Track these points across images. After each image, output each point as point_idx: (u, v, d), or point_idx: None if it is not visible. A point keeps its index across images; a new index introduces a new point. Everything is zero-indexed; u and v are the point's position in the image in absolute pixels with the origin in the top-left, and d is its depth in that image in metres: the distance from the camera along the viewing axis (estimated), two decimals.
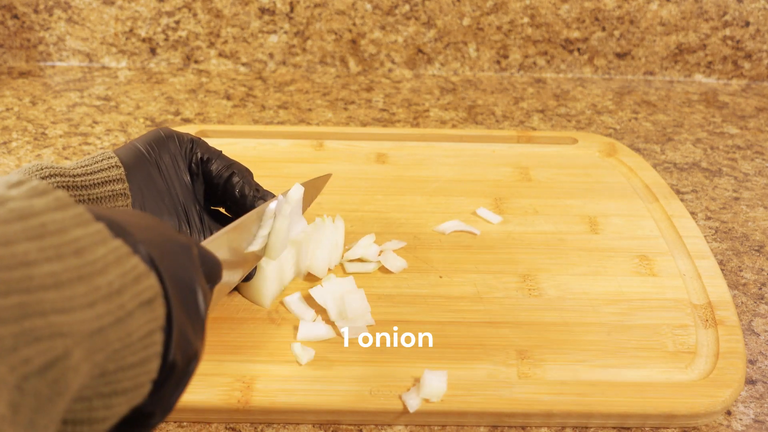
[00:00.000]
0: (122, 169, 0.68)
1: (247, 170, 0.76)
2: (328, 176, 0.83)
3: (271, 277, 0.73)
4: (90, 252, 0.39)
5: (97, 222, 0.40)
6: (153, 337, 0.42)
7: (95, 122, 1.11)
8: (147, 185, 0.70)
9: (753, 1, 1.22)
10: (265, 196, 0.75)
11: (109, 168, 0.68)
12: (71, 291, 0.37)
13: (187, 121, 1.12)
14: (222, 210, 0.77)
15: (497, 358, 0.68)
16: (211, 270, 0.52)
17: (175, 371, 0.44)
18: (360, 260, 0.79)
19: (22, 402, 0.34)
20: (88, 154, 1.02)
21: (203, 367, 0.66)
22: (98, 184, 0.66)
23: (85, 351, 0.37)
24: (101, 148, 1.03)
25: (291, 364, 0.67)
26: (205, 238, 0.72)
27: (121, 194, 0.67)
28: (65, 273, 0.37)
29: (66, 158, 1.01)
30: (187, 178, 0.73)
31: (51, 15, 1.24)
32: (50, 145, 1.04)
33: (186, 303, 0.46)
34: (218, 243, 0.62)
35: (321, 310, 0.73)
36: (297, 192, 0.72)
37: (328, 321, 0.71)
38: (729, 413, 0.67)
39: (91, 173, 0.67)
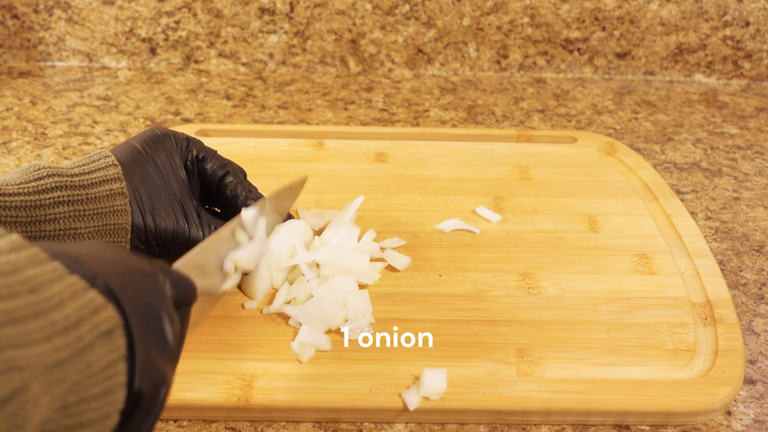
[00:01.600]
0: (119, 167, 0.69)
1: (241, 170, 0.77)
2: (304, 179, 0.83)
3: (263, 272, 0.73)
4: (46, 289, 0.39)
5: (53, 260, 0.41)
6: (115, 367, 0.42)
7: (95, 122, 1.11)
8: (144, 182, 0.71)
9: (753, 1, 1.22)
10: (257, 197, 0.76)
11: (107, 167, 0.68)
12: (26, 326, 0.37)
13: (187, 121, 1.12)
14: (216, 209, 0.78)
15: (497, 356, 0.68)
16: (183, 293, 0.52)
17: (142, 399, 0.44)
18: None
19: None
20: (88, 154, 1.02)
21: (203, 365, 0.66)
22: (96, 183, 0.67)
23: (44, 384, 0.38)
24: (101, 148, 1.03)
25: (291, 362, 0.67)
26: (204, 234, 0.73)
27: (119, 193, 0.68)
28: (20, 310, 0.37)
29: (66, 158, 1.01)
30: (183, 175, 0.74)
31: (51, 15, 1.24)
32: (50, 145, 1.04)
33: (152, 330, 0.46)
34: (194, 261, 0.62)
35: None
36: (248, 215, 0.71)
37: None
38: (729, 413, 0.67)
39: (89, 172, 0.67)
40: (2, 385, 0.35)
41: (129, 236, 0.68)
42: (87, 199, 0.66)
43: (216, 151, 0.77)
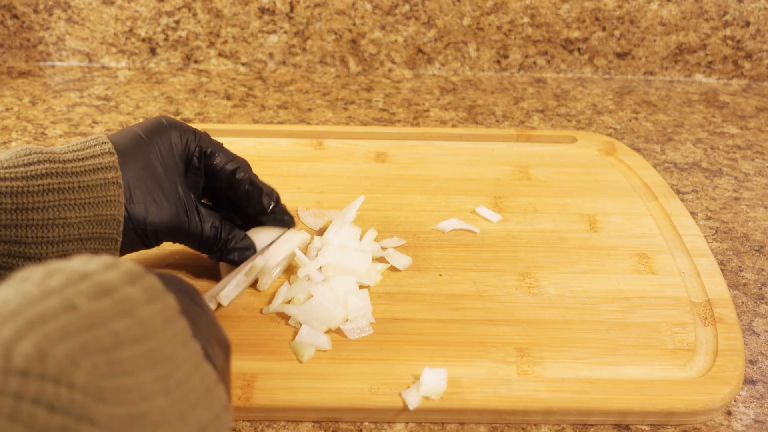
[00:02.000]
0: (115, 156, 0.66)
1: (247, 163, 0.76)
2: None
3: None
4: (187, 378, 0.42)
5: (181, 318, 0.44)
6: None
7: (95, 122, 1.11)
8: (146, 171, 0.68)
9: (753, 1, 1.22)
10: (271, 194, 0.75)
11: (102, 154, 0.66)
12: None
13: (187, 121, 1.12)
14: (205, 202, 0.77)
15: (497, 355, 0.68)
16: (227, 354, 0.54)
17: None
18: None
19: None
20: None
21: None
22: (89, 171, 0.64)
23: None
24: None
25: (291, 361, 0.67)
26: (202, 230, 0.72)
27: (113, 183, 0.65)
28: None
29: None
30: (182, 168, 0.71)
31: (51, 15, 1.24)
32: (50, 145, 1.04)
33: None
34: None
35: None
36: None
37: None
38: (729, 413, 0.67)
39: (83, 159, 0.65)
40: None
41: (120, 228, 0.65)
42: (79, 187, 0.63)
43: (222, 145, 0.75)
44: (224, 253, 0.73)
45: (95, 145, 0.66)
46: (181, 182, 0.71)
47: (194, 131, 0.73)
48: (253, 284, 0.76)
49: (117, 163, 0.66)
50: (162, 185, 0.69)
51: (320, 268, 0.75)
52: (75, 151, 0.65)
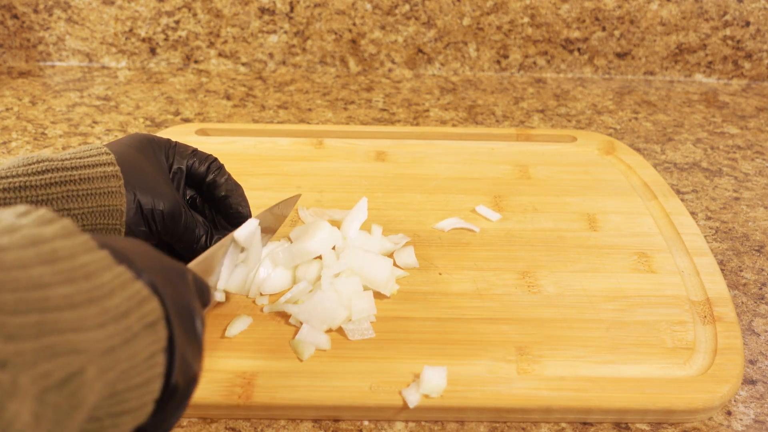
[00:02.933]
0: (112, 155, 0.67)
1: (219, 163, 0.77)
2: (297, 197, 0.82)
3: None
4: (97, 276, 0.41)
5: (102, 249, 0.43)
6: (156, 358, 0.44)
7: (95, 122, 1.11)
8: (142, 170, 0.70)
9: (753, 1, 1.22)
10: (246, 211, 0.77)
11: (99, 154, 0.67)
12: (84, 312, 0.39)
13: (187, 121, 1.12)
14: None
15: (497, 354, 0.68)
16: (203, 295, 0.54)
17: (176, 393, 0.46)
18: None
19: (43, 413, 0.35)
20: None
21: (204, 363, 0.66)
22: (89, 165, 0.66)
23: (98, 369, 0.39)
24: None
25: (292, 360, 0.67)
26: (197, 225, 0.73)
27: (113, 175, 0.66)
28: (77, 295, 0.39)
29: None
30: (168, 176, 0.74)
31: (51, 15, 1.24)
32: (50, 145, 1.04)
33: (185, 327, 0.48)
34: (201, 267, 0.64)
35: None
36: (246, 229, 0.71)
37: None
38: (729, 413, 0.67)
39: (81, 158, 0.66)
40: (63, 366, 0.36)
41: (123, 218, 0.67)
42: (80, 179, 0.65)
43: (196, 149, 0.76)
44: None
45: (91, 149, 0.68)
46: (171, 186, 0.72)
47: (172, 143, 0.75)
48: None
49: (115, 160, 0.67)
50: (158, 181, 0.70)
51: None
52: (73, 154, 0.67)
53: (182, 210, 0.71)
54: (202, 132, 1.02)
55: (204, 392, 0.63)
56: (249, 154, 0.98)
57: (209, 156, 0.77)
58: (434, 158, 0.99)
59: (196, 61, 1.28)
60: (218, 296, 0.70)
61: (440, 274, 0.78)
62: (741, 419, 0.66)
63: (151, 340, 0.43)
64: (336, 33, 1.26)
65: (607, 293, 0.76)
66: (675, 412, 0.64)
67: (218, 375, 0.65)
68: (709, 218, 0.93)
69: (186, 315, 0.48)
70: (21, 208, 0.41)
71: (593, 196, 0.92)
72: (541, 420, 0.64)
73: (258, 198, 0.88)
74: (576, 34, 1.25)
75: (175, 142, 0.76)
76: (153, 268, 0.46)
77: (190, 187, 0.76)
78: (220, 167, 0.76)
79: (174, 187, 0.72)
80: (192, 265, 0.63)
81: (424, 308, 0.73)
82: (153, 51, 1.27)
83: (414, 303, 0.74)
